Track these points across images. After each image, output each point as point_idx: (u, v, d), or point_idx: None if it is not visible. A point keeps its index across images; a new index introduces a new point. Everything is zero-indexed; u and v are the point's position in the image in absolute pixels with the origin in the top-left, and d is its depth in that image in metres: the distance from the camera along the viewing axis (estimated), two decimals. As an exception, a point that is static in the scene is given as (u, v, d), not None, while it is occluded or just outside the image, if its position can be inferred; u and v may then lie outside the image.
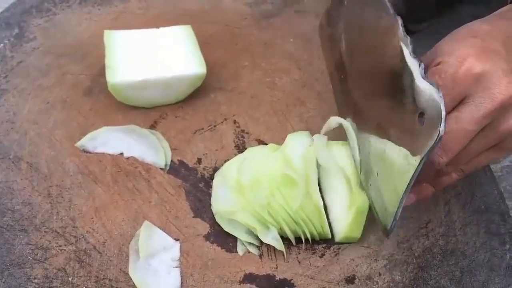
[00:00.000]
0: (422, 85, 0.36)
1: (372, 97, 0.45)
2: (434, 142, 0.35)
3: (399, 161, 0.39)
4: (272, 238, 0.45)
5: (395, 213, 0.40)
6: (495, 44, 0.39)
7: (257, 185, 0.45)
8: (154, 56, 0.53)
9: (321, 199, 0.45)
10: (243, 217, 0.45)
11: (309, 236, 0.45)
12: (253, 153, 0.48)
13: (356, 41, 0.48)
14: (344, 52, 0.50)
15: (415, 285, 0.45)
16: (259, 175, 0.46)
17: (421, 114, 0.37)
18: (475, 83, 0.38)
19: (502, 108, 0.38)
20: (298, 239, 0.46)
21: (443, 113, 0.34)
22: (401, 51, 0.38)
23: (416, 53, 0.38)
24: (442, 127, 0.34)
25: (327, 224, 0.45)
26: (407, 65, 0.38)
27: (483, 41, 0.39)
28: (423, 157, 0.36)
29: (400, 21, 0.39)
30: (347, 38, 0.50)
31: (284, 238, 0.45)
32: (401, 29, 0.39)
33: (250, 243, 0.46)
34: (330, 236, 0.46)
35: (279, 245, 0.45)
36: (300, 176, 0.45)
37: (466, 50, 0.38)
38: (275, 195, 0.44)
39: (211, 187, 0.49)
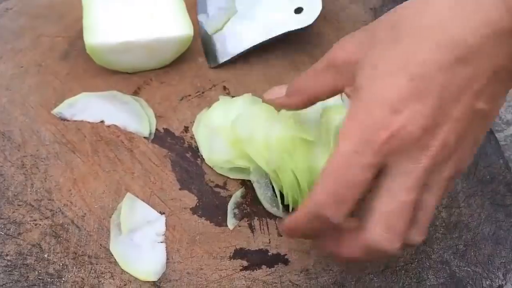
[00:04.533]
0: None
1: None
2: None
3: None
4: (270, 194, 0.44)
5: None
6: None
7: (254, 141, 0.43)
8: (137, 16, 0.50)
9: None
10: (245, 162, 0.44)
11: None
12: (246, 107, 0.47)
13: None
14: None
15: (417, 259, 0.43)
16: (256, 132, 0.43)
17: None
18: None
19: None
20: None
21: None
22: None
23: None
24: None
25: None
26: None
27: None
28: None
29: None
30: None
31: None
32: None
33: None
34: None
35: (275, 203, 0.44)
36: (315, 137, 0.42)
37: None
38: (284, 159, 0.42)
39: (199, 157, 0.46)
